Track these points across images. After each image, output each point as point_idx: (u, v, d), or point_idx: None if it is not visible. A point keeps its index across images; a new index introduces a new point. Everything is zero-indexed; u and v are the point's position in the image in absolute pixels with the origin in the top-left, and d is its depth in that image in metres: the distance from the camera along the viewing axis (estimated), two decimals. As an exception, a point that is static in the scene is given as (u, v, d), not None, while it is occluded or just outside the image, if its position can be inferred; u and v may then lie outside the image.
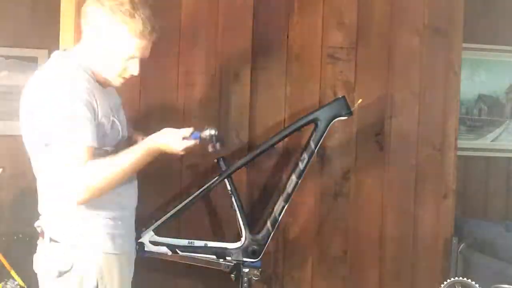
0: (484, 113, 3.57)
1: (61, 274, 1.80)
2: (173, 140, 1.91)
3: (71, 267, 1.80)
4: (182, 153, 1.94)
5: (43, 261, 1.85)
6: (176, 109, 2.73)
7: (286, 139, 2.68)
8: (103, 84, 1.88)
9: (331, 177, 2.87)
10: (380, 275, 2.93)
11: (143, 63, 2.62)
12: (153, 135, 1.91)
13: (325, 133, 2.52)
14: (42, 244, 1.87)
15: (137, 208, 2.65)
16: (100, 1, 1.79)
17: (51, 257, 1.82)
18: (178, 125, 2.69)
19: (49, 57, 3.65)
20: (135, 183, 2.05)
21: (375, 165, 2.70)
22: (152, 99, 2.70)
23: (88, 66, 1.84)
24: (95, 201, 1.78)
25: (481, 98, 3.55)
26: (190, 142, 1.93)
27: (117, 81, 1.91)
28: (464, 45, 3.05)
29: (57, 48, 2.65)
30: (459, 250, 2.97)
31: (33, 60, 3.59)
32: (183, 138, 1.92)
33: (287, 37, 2.83)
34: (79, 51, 1.87)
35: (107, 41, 1.81)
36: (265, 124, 2.80)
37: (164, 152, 1.91)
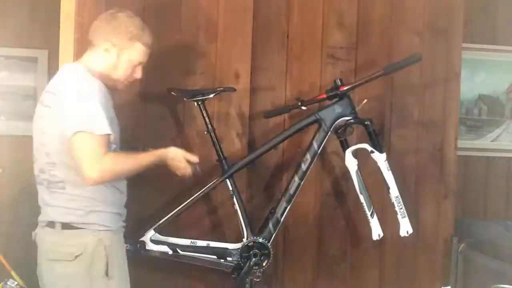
0: (484, 113, 3.57)
1: (75, 257, 1.96)
2: (179, 159, 2.26)
3: (84, 250, 1.97)
4: (180, 173, 2.28)
5: (55, 249, 2.00)
6: (176, 109, 2.73)
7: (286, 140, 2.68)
8: (109, 88, 2.09)
9: (331, 177, 2.87)
10: (380, 275, 2.93)
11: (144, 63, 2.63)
12: (166, 149, 2.25)
13: (328, 134, 2.53)
14: (51, 234, 2.01)
15: (139, 208, 2.66)
16: (112, 19, 2.11)
17: (65, 243, 1.99)
18: (178, 125, 2.72)
19: (49, 57, 3.68)
20: None
21: (375, 165, 2.68)
22: (153, 99, 2.70)
23: (98, 73, 2.07)
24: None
25: (481, 98, 3.55)
26: (189, 169, 2.27)
27: (122, 85, 2.18)
28: (464, 45, 3.05)
29: (57, 48, 2.67)
30: (459, 250, 2.97)
31: (33, 60, 3.59)
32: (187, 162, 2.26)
33: (287, 37, 2.83)
34: (89, 61, 2.10)
35: (121, 52, 2.10)
36: (266, 124, 2.80)
37: (167, 165, 2.25)
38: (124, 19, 2.11)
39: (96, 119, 1.92)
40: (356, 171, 2.52)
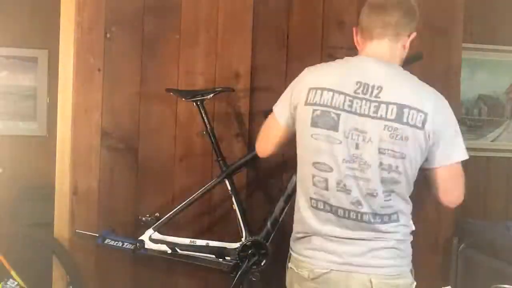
0: (484, 113, 3.56)
1: None
2: None
3: None
4: None
5: None
6: (176, 109, 2.73)
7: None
8: None
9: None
10: (380, 275, 2.93)
11: (144, 63, 2.64)
12: None
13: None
14: None
15: (138, 208, 2.67)
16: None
17: None
18: (178, 125, 2.73)
19: (49, 57, 3.69)
20: None
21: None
22: (152, 99, 2.71)
23: None
24: None
25: (481, 98, 3.55)
26: None
27: None
28: (464, 45, 3.05)
29: (57, 48, 2.68)
30: (459, 250, 2.97)
31: (33, 60, 3.59)
32: None
33: (287, 37, 2.83)
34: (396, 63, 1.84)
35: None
36: (265, 124, 2.79)
37: None
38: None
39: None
40: None
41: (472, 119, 3.54)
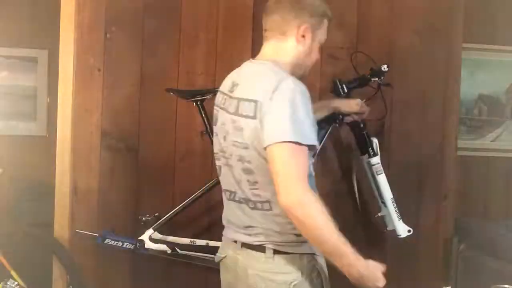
0: (484, 113, 3.56)
1: (293, 286, 1.74)
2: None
3: (298, 277, 1.75)
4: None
5: (268, 276, 1.76)
6: (176, 109, 2.73)
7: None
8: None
9: (331, 177, 2.87)
10: (380, 275, 2.93)
11: (144, 63, 2.64)
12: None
13: (327, 134, 2.53)
14: (260, 259, 1.78)
15: (138, 208, 2.67)
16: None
17: (279, 270, 1.76)
18: (178, 125, 2.73)
19: (49, 57, 3.69)
20: None
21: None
22: (152, 99, 2.71)
23: (289, 64, 1.81)
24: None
25: (481, 98, 3.54)
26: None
27: (307, 73, 1.90)
28: (464, 45, 3.05)
29: (57, 48, 2.68)
30: (459, 250, 2.97)
31: (33, 60, 3.59)
32: None
33: (287, 37, 2.83)
34: (278, 54, 1.80)
35: (315, 34, 1.82)
36: (265, 124, 2.79)
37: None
38: None
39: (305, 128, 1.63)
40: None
41: (472, 119, 3.54)
